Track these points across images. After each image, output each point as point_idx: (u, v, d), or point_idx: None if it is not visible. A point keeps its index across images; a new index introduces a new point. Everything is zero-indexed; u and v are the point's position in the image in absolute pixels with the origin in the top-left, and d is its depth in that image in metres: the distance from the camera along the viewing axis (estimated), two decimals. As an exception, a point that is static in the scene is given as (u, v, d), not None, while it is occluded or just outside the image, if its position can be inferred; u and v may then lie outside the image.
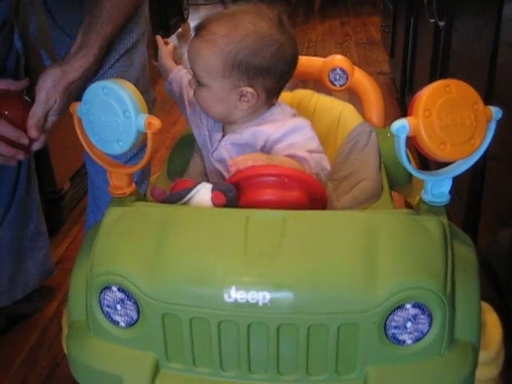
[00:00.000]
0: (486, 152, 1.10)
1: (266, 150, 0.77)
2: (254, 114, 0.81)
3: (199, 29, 0.79)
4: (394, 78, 2.61)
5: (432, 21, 1.59)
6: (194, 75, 0.80)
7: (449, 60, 1.50)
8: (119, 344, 0.62)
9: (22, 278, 1.24)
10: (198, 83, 0.80)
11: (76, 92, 0.86)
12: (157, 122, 0.65)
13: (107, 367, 0.62)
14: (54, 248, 1.54)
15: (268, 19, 0.79)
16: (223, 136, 0.83)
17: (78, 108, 0.70)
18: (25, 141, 0.84)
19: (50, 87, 0.84)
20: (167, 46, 0.97)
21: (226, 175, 0.78)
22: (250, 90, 0.78)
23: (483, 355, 0.64)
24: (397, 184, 0.89)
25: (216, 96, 0.79)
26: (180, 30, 3.82)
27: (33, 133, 0.84)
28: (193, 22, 4.10)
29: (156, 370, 0.61)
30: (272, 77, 0.79)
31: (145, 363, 0.61)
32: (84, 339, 0.64)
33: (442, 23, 1.52)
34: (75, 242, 1.62)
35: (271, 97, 0.82)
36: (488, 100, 1.02)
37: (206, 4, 4.55)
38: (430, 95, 0.62)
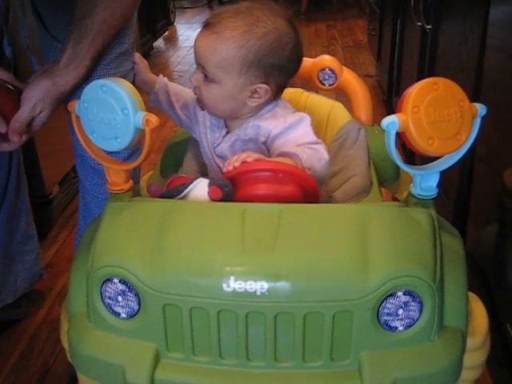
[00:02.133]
0: (473, 153, 1.14)
1: (267, 145, 0.81)
2: (258, 109, 0.83)
3: (212, 24, 0.79)
4: (381, 81, 2.67)
5: (419, 24, 1.65)
6: (204, 71, 0.80)
7: (436, 62, 1.55)
8: (120, 335, 0.65)
9: (12, 282, 1.25)
10: (206, 79, 0.81)
11: (65, 101, 0.86)
12: (154, 119, 0.68)
13: (109, 357, 0.65)
14: (42, 252, 1.54)
15: (281, 16, 0.81)
16: (227, 132, 0.85)
17: (76, 106, 0.73)
18: (2, 129, 0.85)
19: (39, 98, 0.85)
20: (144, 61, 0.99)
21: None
22: (264, 86, 0.80)
23: (470, 342, 0.68)
24: (385, 180, 0.93)
25: (227, 93, 0.80)
26: (167, 33, 3.86)
27: (14, 137, 0.85)
28: (179, 25, 4.14)
29: (157, 359, 0.64)
30: (285, 74, 0.82)
31: (146, 353, 0.64)
32: (85, 330, 0.67)
33: (428, 26, 1.58)
34: (64, 246, 1.64)
35: (280, 93, 0.85)
36: (476, 100, 1.07)
37: (192, 7, 4.60)
38: (418, 92, 0.66)
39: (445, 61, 1.46)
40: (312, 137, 0.79)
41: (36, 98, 0.85)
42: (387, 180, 0.95)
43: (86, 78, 0.89)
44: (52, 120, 0.95)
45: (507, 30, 1.04)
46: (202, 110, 0.86)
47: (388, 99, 2.39)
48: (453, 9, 1.40)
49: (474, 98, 1.10)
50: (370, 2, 3.00)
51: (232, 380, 0.63)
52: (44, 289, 1.43)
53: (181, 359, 0.65)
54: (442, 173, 0.71)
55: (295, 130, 0.79)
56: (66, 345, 0.73)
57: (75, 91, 0.88)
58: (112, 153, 0.74)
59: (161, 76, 0.97)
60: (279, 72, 0.81)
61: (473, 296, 0.73)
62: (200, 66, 0.81)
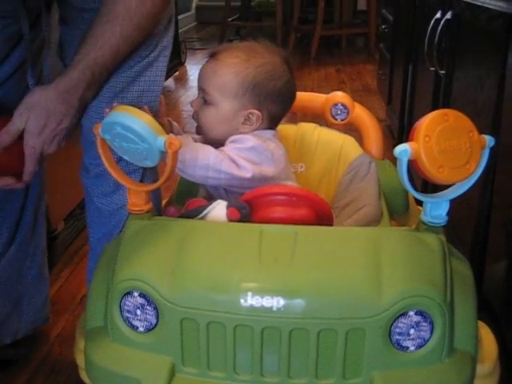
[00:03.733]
0: (490, 201, 1.15)
1: None
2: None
3: (217, 53, 0.90)
4: (391, 125, 2.74)
5: (432, 69, 1.67)
6: (204, 94, 0.89)
7: (450, 107, 1.59)
8: (137, 349, 0.69)
9: (14, 322, 1.20)
10: (205, 102, 0.89)
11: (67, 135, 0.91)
12: (177, 142, 0.73)
13: (125, 371, 0.68)
14: None
15: (278, 55, 0.91)
16: None
17: (100, 130, 0.78)
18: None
19: (26, 108, 0.87)
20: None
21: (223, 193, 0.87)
22: (257, 112, 0.88)
23: (480, 369, 0.71)
24: (395, 213, 0.97)
25: (222, 115, 0.88)
26: (177, 73, 3.97)
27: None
28: (190, 66, 4.26)
29: (172, 373, 0.67)
30: (278, 104, 0.90)
31: (162, 367, 0.67)
32: (103, 344, 0.70)
33: (442, 71, 1.60)
34: (67, 284, 1.62)
35: (272, 123, 0.91)
36: (491, 151, 1.10)
37: (203, 48, 4.75)
38: (429, 122, 0.71)
39: (459, 106, 1.48)
40: (250, 155, 0.84)
41: (22, 108, 0.87)
42: (397, 212, 0.99)
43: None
44: (59, 155, 0.97)
45: None
46: (198, 134, 0.92)
47: (399, 143, 2.43)
48: (467, 54, 1.43)
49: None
50: (380, 47, 3.09)
51: (246, 396, 0.66)
52: (45, 328, 1.39)
53: (195, 374, 0.67)
54: (452, 202, 0.75)
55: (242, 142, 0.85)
56: (80, 362, 0.76)
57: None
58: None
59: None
60: (272, 101, 0.88)
61: (482, 324, 0.76)
62: (201, 89, 0.90)
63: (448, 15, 1.54)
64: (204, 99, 0.89)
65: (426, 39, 1.69)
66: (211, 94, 0.88)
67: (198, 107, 0.90)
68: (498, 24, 1.15)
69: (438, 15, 1.62)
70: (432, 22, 1.64)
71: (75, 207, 1.80)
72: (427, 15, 1.76)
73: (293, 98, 0.93)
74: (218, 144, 0.87)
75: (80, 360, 0.76)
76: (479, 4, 1.27)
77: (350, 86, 3.52)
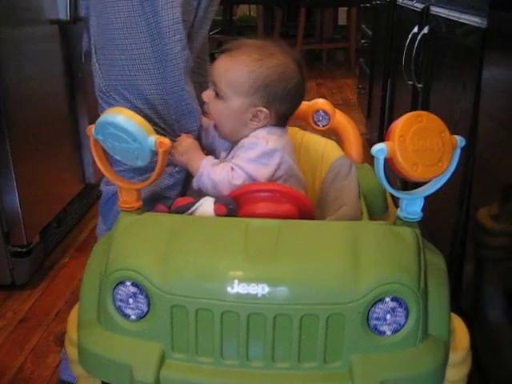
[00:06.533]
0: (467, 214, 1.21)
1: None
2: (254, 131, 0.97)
3: (232, 49, 0.96)
4: (370, 139, 2.83)
5: (410, 83, 1.74)
6: (216, 89, 0.95)
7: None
8: (129, 336, 0.74)
9: None
10: (216, 97, 0.95)
11: None
12: (166, 141, 0.80)
13: (118, 357, 0.73)
14: (18, 304, 1.59)
15: (291, 57, 0.97)
16: (228, 154, 0.98)
17: (93, 131, 0.84)
18: None
19: None
20: None
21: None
22: (265, 110, 0.94)
23: (453, 357, 0.78)
24: (374, 213, 1.05)
25: (232, 111, 0.95)
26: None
27: None
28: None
29: (162, 359, 0.73)
30: (286, 104, 0.97)
31: (152, 353, 0.73)
32: (96, 333, 0.76)
33: (419, 85, 1.67)
34: (41, 299, 1.64)
35: (279, 121, 0.98)
36: (468, 161, 1.16)
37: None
38: (404, 123, 0.78)
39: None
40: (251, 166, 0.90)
41: None
42: (376, 213, 1.06)
43: None
44: (36, 167, 1.01)
45: (499, 90, 1.10)
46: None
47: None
48: (444, 68, 1.49)
49: (468, 155, 1.18)
50: (360, 61, 3.19)
51: (232, 380, 0.72)
52: (17, 343, 1.43)
53: (184, 360, 0.73)
54: (426, 198, 0.82)
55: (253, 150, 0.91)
56: (70, 352, 0.81)
57: None
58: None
59: None
60: (281, 101, 0.95)
61: (454, 316, 0.83)
62: (213, 83, 0.96)
63: (425, 30, 1.60)
64: (216, 92, 0.96)
65: (404, 54, 1.75)
66: (223, 90, 0.94)
67: (210, 99, 0.97)
68: (473, 38, 1.21)
69: (416, 30, 1.68)
70: (409, 36, 1.71)
71: (51, 221, 1.82)
72: (405, 30, 1.82)
73: (301, 98, 1.00)
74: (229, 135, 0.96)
75: (72, 352, 0.81)
76: (455, 19, 1.34)
77: (331, 99, 3.57)
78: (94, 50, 1.00)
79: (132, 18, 0.93)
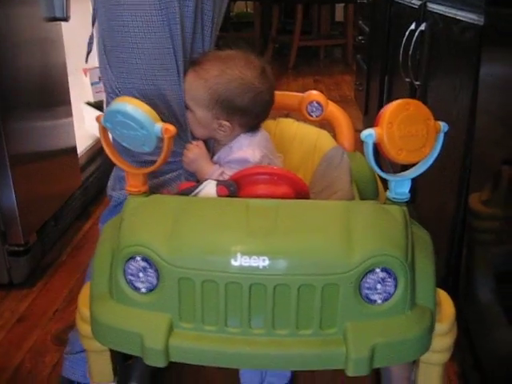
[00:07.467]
0: (464, 215, 1.26)
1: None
2: (232, 137, 1.08)
3: (195, 64, 1.05)
4: (368, 135, 2.88)
5: (407, 80, 1.78)
6: (185, 100, 1.06)
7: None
8: (139, 308, 0.82)
9: None
10: (187, 107, 1.06)
11: None
12: (172, 128, 0.87)
13: (129, 327, 0.81)
14: (16, 303, 1.63)
15: (253, 67, 1.05)
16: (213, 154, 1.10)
17: (102, 119, 0.91)
18: None
19: None
20: None
21: None
22: (227, 123, 1.05)
23: (439, 328, 0.86)
24: (365, 199, 1.12)
25: (199, 121, 1.06)
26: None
27: None
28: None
29: (170, 328, 0.80)
30: (248, 116, 1.06)
31: (161, 323, 0.80)
32: (108, 305, 0.83)
33: (417, 82, 1.71)
34: (39, 298, 1.66)
35: (247, 130, 1.07)
36: (466, 159, 1.20)
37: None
38: (392, 110, 0.86)
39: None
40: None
41: None
42: (367, 199, 1.13)
43: None
44: (33, 165, 1.03)
45: (496, 87, 1.15)
46: None
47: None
48: (441, 65, 1.54)
49: (466, 153, 1.25)
50: (357, 58, 3.24)
51: (235, 346, 0.80)
52: (15, 343, 1.46)
53: (191, 328, 0.81)
54: (413, 180, 0.90)
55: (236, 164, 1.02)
56: (82, 328, 0.88)
57: None
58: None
59: None
60: (241, 114, 1.05)
61: (441, 290, 0.91)
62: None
63: (422, 27, 1.65)
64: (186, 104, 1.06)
65: (401, 50, 1.80)
66: (188, 103, 1.06)
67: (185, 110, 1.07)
68: (470, 35, 1.26)
69: (413, 27, 1.72)
70: (407, 33, 1.75)
71: (48, 219, 1.84)
72: (402, 27, 1.86)
73: (265, 107, 1.08)
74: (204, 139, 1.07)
75: (83, 328, 0.89)
76: (452, 16, 1.39)
77: (328, 96, 3.62)
78: (102, 52, 1.06)
79: (150, 17, 0.99)
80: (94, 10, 1.08)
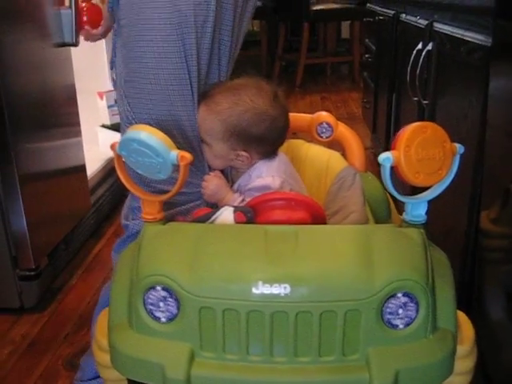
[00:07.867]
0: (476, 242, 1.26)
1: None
2: (251, 165, 1.08)
3: (206, 97, 1.05)
4: (376, 153, 2.86)
5: (415, 99, 1.76)
6: (200, 134, 1.06)
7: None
8: (160, 338, 0.82)
9: None
10: (202, 141, 1.07)
11: None
12: (188, 155, 0.87)
13: (150, 357, 0.81)
14: (27, 328, 1.61)
15: (265, 94, 1.05)
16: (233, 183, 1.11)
17: (117, 147, 0.92)
18: None
19: None
20: None
21: None
22: (244, 153, 1.06)
23: (460, 350, 0.86)
24: (378, 219, 1.13)
25: (215, 154, 1.07)
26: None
27: None
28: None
29: (192, 358, 0.80)
30: (265, 144, 1.06)
31: (182, 353, 0.80)
32: (128, 335, 0.83)
33: (425, 101, 1.69)
34: (50, 322, 1.66)
35: (265, 157, 1.07)
36: (476, 178, 1.20)
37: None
38: (410, 134, 0.86)
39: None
40: None
41: None
42: (380, 219, 1.14)
43: None
44: (42, 187, 1.03)
45: (506, 106, 1.13)
46: None
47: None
48: (450, 84, 1.52)
49: (476, 171, 1.24)
50: (364, 75, 3.24)
51: (258, 374, 0.80)
52: (26, 368, 1.46)
53: (213, 358, 0.81)
54: (430, 202, 0.90)
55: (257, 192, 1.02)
56: (99, 357, 0.88)
57: None
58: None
59: None
60: (257, 143, 1.05)
61: (460, 312, 0.90)
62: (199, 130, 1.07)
63: (429, 46, 1.63)
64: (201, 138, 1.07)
65: (409, 69, 1.78)
66: (203, 137, 1.07)
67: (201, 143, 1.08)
68: (479, 56, 1.25)
69: (420, 46, 1.71)
70: (414, 52, 1.73)
71: (59, 243, 1.84)
72: (409, 46, 1.84)
73: (281, 132, 1.08)
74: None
75: (100, 357, 0.88)
76: (459, 36, 1.37)
77: (335, 113, 3.70)
78: (120, 84, 1.07)
79: (167, 48, 1.01)
80: (113, 49, 1.10)
